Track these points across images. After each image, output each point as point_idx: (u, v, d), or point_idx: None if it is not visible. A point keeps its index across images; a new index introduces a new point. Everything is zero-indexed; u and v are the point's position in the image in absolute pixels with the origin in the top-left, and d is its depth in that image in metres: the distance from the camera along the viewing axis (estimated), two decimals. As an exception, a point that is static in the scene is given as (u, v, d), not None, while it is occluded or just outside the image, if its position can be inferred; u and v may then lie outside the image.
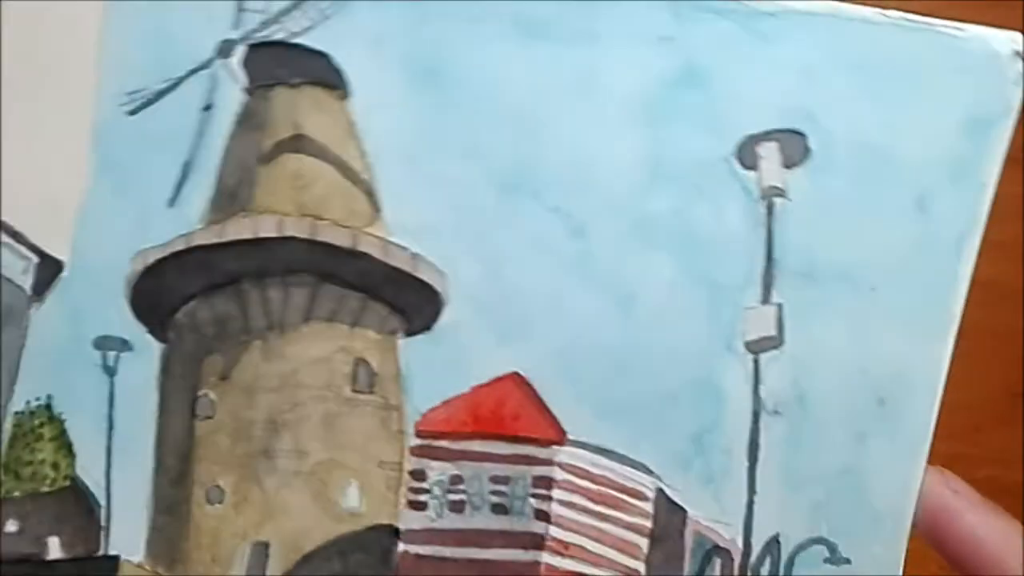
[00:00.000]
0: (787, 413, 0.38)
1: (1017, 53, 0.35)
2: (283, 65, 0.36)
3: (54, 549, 0.38)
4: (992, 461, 0.42)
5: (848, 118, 0.36)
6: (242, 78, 0.36)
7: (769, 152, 0.36)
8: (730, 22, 0.35)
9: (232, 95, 0.36)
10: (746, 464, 0.38)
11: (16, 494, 0.38)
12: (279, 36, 0.36)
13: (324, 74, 0.36)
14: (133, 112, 0.36)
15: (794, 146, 0.36)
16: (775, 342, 0.37)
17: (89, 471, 0.38)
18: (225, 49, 0.36)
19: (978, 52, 0.36)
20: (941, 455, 0.39)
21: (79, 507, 0.38)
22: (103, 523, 0.38)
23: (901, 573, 0.38)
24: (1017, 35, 0.35)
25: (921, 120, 0.36)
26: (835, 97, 0.36)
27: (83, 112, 0.36)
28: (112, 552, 0.38)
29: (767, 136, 0.36)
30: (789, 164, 0.36)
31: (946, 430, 0.38)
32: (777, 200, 0.36)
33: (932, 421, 0.38)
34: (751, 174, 0.36)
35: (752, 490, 0.38)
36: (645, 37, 0.35)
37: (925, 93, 0.36)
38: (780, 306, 0.37)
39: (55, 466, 0.38)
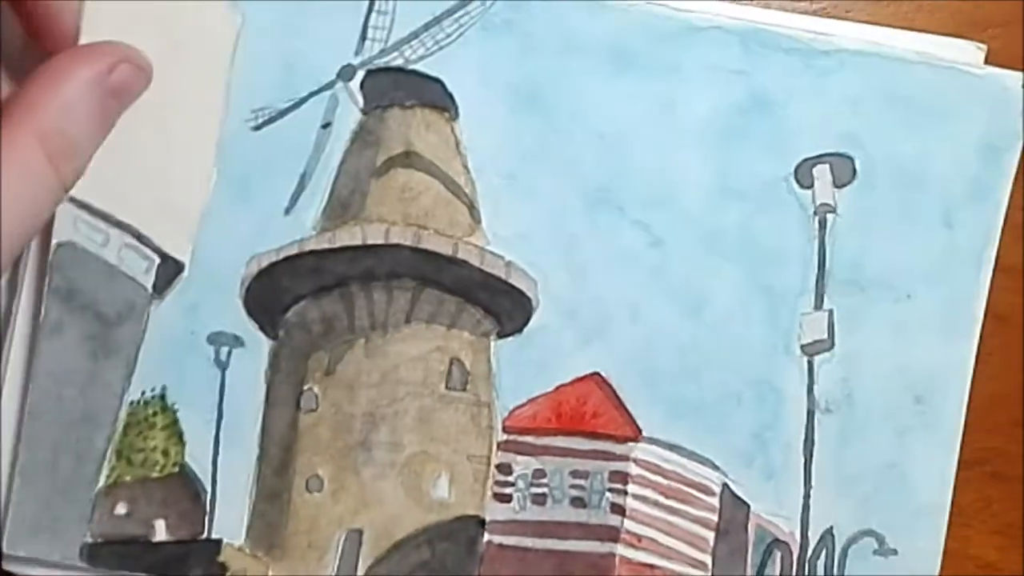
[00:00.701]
0: (838, 411, 0.42)
1: None
2: (399, 88, 0.40)
3: (160, 531, 0.41)
4: (1032, 456, 0.45)
5: (887, 143, 0.41)
6: (360, 99, 0.40)
7: (822, 173, 0.41)
8: (792, 58, 0.40)
9: (350, 114, 0.40)
10: (802, 460, 0.42)
11: (127, 479, 0.40)
12: (397, 63, 0.40)
13: (436, 98, 0.40)
14: (258, 128, 0.40)
15: (843, 168, 0.41)
16: (827, 345, 0.42)
17: (197, 459, 0.41)
18: (346, 73, 0.40)
19: (992, 87, 0.41)
20: (981, 449, 0.43)
21: (186, 492, 0.41)
22: (208, 508, 0.41)
23: (940, 565, 0.42)
24: (1025, 73, 0.41)
25: (946, 145, 0.41)
26: (877, 125, 0.41)
27: (211, 126, 0.40)
28: (215, 536, 0.41)
29: (821, 159, 0.41)
30: (839, 184, 0.41)
31: (987, 424, 0.42)
32: (829, 216, 0.41)
33: (962, 416, 0.42)
34: (807, 192, 0.41)
35: (808, 484, 0.42)
36: (719, 70, 0.40)
37: (949, 122, 0.41)
38: (831, 312, 0.41)
39: (165, 453, 0.41)
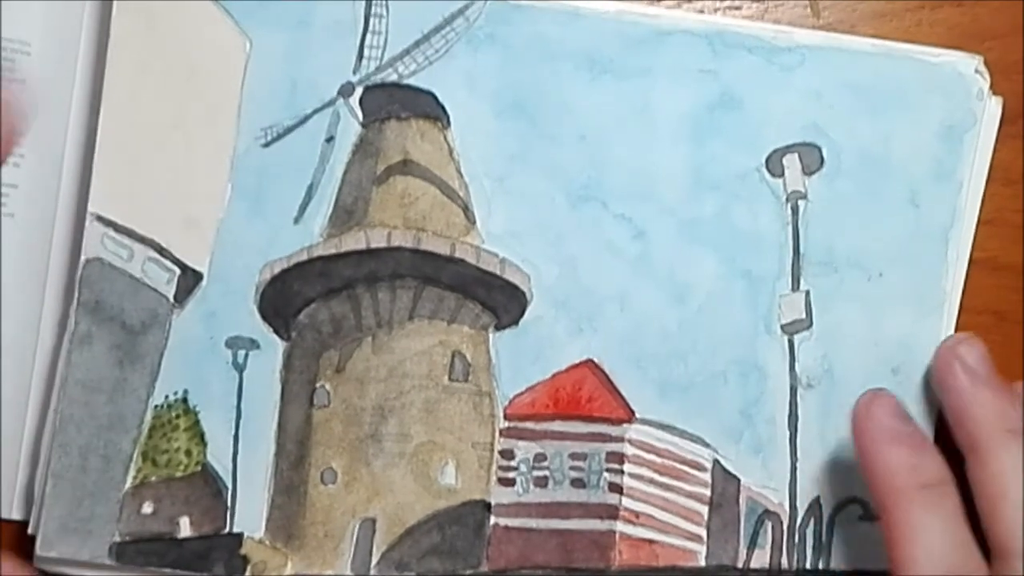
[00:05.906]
0: (819, 386, 0.44)
1: (978, 72, 0.44)
2: (395, 102, 0.43)
3: (185, 528, 0.43)
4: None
5: (851, 131, 0.44)
6: (360, 114, 0.44)
7: (791, 162, 0.44)
8: (756, 56, 0.43)
9: (351, 128, 0.43)
10: (788, 434, 0.44)
11: (153, 479, 0.43)
12: (391, 78, 0.43)
13: (429, 109, 0.43)
14: (267, 144, 0.43)
15: (811, 156, 0.44)
16: (805, 324, 0.44)
17: (218, 457, 0.43)
18: (346, 90, 0.43)
19: (948, 73, 0.44)
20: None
21: (208, 490, 0.43)
22: (229, 504, 0.43)
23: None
24: (979, 57, 0.44)
25: (907, 130, 0.44)
26: (840, 114, 0.44)
27: (225, 145, 0.43)
28: (236, 530, 0.43)
29: (789, 149, 0.44)
30: (808, 171, 0.44)
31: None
32: (800, 202, 0.44)
33: None
34: (778, 181, 0.44)
35: (794, 456, 0.44)
36: (689, 70, 0.43)
37: (909, 108, 0.44)
38: (808, 292, 0.44)
39: (188, 453, 0.43)
